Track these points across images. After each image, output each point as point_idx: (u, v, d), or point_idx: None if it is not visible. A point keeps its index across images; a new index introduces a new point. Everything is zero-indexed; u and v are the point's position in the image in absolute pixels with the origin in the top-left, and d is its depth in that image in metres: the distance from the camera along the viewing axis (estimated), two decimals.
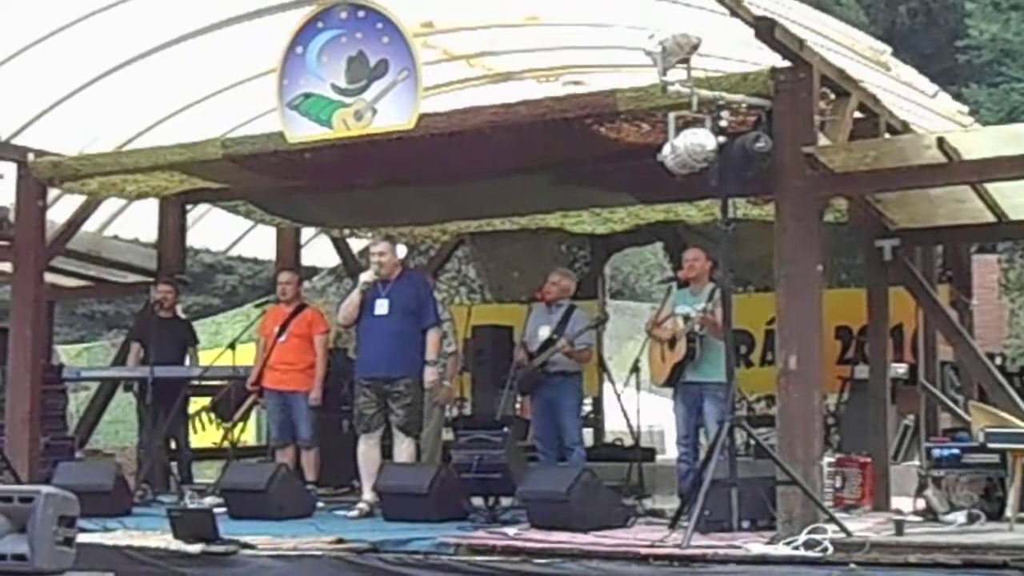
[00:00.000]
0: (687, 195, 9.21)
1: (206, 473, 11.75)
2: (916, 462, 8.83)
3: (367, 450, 8.84)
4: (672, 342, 8.61)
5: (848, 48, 7.83)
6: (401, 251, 11.41)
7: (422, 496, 8.20)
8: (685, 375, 8.58)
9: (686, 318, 8.56)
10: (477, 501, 8.46)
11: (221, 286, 25.62)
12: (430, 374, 8.80)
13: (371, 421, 8.77)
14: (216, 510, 8.08)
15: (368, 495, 8.75)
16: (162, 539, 7.66)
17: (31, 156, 9.75)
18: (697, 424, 8.66)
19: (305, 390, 9.65)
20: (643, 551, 6.70)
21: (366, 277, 8.95)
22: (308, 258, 13.33)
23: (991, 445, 7.49)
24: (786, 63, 7.28)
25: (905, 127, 8.44)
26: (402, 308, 8.77)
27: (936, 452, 7.87)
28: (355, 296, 8.94)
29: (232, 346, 10.12)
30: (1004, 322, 11.79)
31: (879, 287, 8.66)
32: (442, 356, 9.55)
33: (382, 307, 8.79)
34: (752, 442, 7.76)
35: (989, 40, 23.68)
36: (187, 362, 10.75)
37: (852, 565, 6.37)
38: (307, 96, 8.50)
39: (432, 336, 8.84)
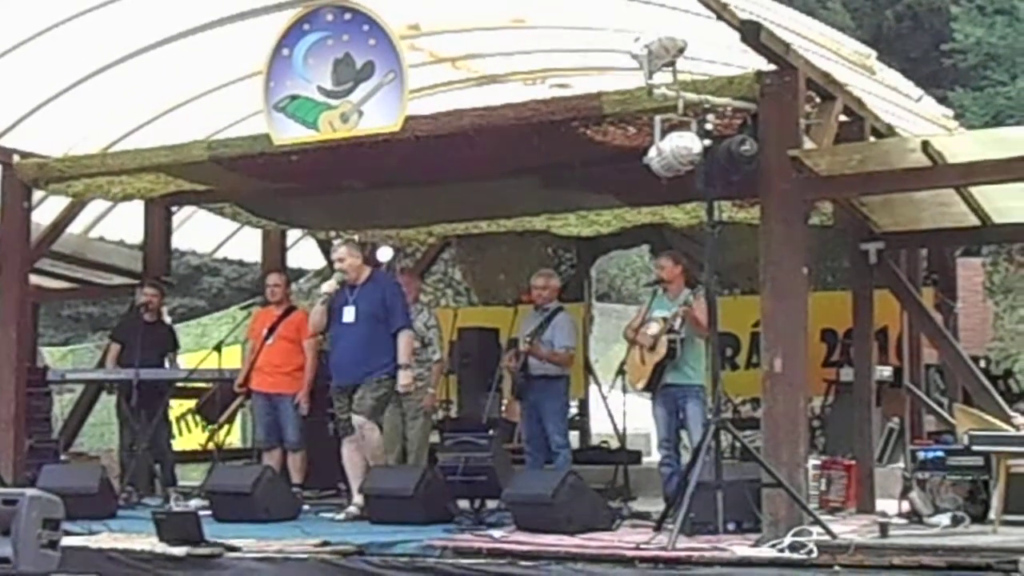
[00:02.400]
0: (673, 198, 9.22)
1: (192, 475, 11.73)
2: (901, 464, 8.87)
3: (351, 454, 8.80)
4: (653, 343, 8.59)
5: (833, 52, 7.85)
6: (387, 253, 11.41)
7: (408, 498, 8.20)
8: (665, 377, 8.57)
9: (665, 320, 8.56)
10: (463, 503, 8.46)
11: (207, 288, 25.54)
12: (404, 377, 8.64)
13: (348, 426, 8.75)
14: (201, 512, 8.06)
15: (358, 498, 8.72)
16: (147, 542, 7.64)
17: (16, 158, 9.73)
18: (678, 427, 8.66)
19: (292, 392, 9.64)
20: (628, 553, 6.71)
21: (326, 288, 8.85)
22: (294, 260, 13.32)
23: (975, 448, 7.53)
24: (772, 67, 7.29)
25: (890, 131, 8.47)
26: (368, 314, 8.65)
27: (921, 455, 7.91)
28: (319, 307, 8.87)
29: (218, 348, 10.12)
30: (988, 325, 11.83)
31: (864, 290, 8.68)
32: (428, 363, 9.52)
33: (349, 314, 8.69)
34: (737, 444, 7.78)
35: (974, 44, 23.74)
36: (166, 366, 10.71)
37: (837, 567, 6.39)
38: (293, 98, 8.49)
39: (403, 339, 8.68)
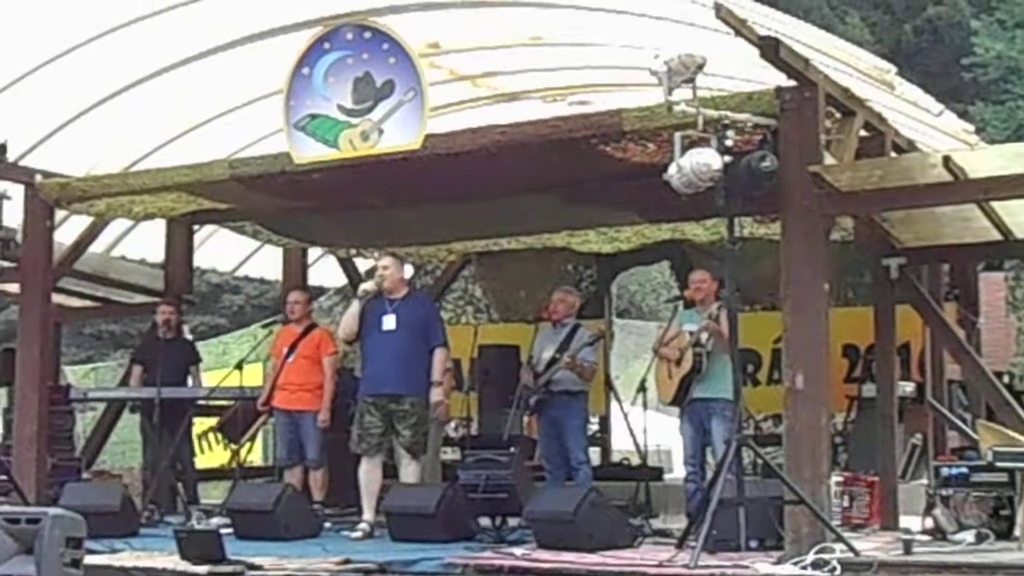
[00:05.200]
0: (693, 214, 9.22)
1: (213, 494, 11.74)
2: (924, 481, 8.81)
3: (369, 470, 8.82)
4: (679, 359, 8.60)
5: (853, 67, 7.84)
6: (408, 271, 11.44)
7: (429, 516, 8.20)
8: (692, 392, 8.57)
9: (691, 333, 8.57)
10: (484, 521, 8.45)
11: (228, 306, 25.63)
12: (436, 395, 8.77)
13: (377, 443, 8.75)
14: (223, 531, 8.06)
15: (369, 515, 8.74)
16: (169, 560, 7.65)
17: (39, 177, 9.76)
18: (704, 443, 8.64)
19: (313, 410, 9.66)
20: (651, 571, 6.69)
21: (366, 286, 8.99)
22: (315, 278, 13.34)
23: (999, 464, 7.49)
24: (791, 82, 7.29)
25: (911, 146, 8.45)
26: (409, 325, 8.76)
27: (944, 471, 7.87)
28: (355, 307, 8.94)
29: (239, 366, 10.13)
30: (1011, 340, 11.79)
31: (886, 305, 8.65)
32: None
33: (389, 322, 8.78)
34: (759, 461, 7.75)
35: (995, 58, 23.71)
36: (190, 382, 10.75)
37: None
38: (313, 117, 8.52)
39: (440, 355, 8.81)
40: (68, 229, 10.59)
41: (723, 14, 6.89)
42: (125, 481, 10.85)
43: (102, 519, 8.02)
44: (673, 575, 6.61)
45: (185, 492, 10.61)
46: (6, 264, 10.13)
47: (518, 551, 7.48)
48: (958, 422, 9.57)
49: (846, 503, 8.33)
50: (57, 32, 8.85)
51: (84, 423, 13.16)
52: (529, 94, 10.50)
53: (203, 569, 7.39)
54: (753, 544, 7.12)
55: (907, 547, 6.85)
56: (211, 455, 12.24)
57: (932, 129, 8.88)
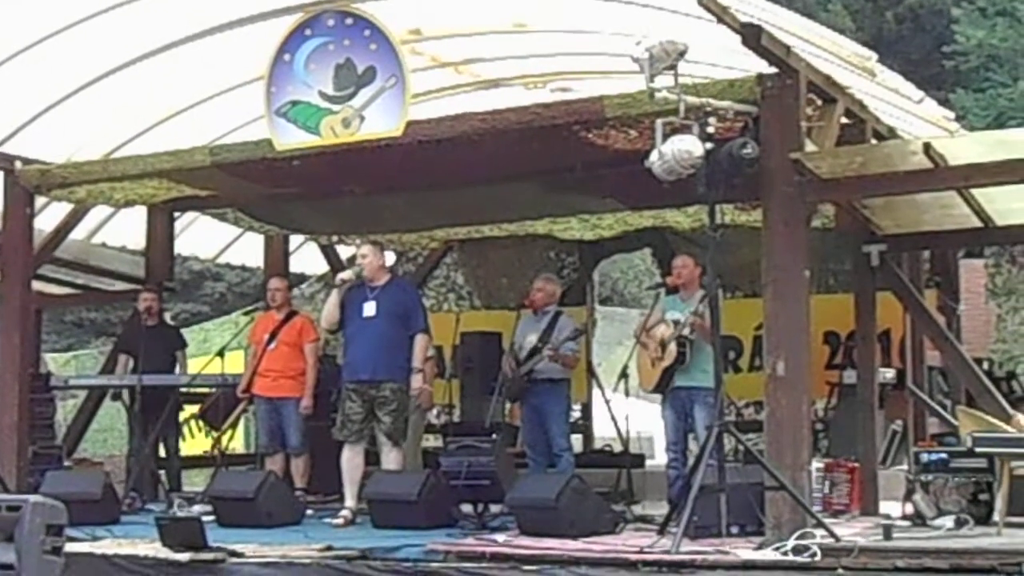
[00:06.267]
0: (675, 201, 9.23)
1: (195, 481, 11.73)
2: (904, 467, 8.85)
3: (352, 457, 8.83)
4: (662, 347, 8.62)
5: (834, 54, 7.85)
6: (390, 258, 11.44)
7: (411, 503, 8.21)
8: (674, 380, 8.58)
9: (676, 323, 8.58)
10: (466, 508, 8.46)
11: (209, 293, 25.56)
12: (416, 381, 8.80)
13: (358, 429, 8.75)
14: (205, 518, 8.06)
15: (350, 502, 8.75)
16: (150, 547, 7.64)
17: (18, 164, 9.73)
18: (686, 430, 8.66)
19: (295, 397, 9.65)
20: (632, 557, 6.71)
21: (343, 275, 9.01)
22: (296, 265, 13.33)
23: (979, 450, 7.52)
24: (773, 69, 7.29)
25: (891, 133, 8.47)
26: (389, 311, 8.77)
27: (924, 457, 7.91)
28: (334, 297, 8.97)
29: (221, 353, 10.12)
30: (991, 327, 11.82)
31: (866, 292, 8.68)
32: None
33: (370, 309, 8.79)
34: (741, 448, 7.77)
35: (976, 46, 23.77)
36: (177, 367, 10.72)
37: (840, 570, 6.38)
38: (295, 103, 8.50)
39: (420, 341, 8.83)
40: (48, 216, 10.56)
41: (705, 1, 6.89)
42: (106, 468, 10.82)
43: (83, 506, 8.01)
44: (654, 561, 6.62)
45: (169, 479, 10.60)
46: None
47: (500, 537, 7.49)
48: (938, 408, 9.61)
49: (827, 489, 8.36)
50: (36, 19, 8.80)
51: (65, 411, 13.13)
52: (511, 81, 10.50)
53: (184, 556, 7.38)
54: (734, 530, 7.15)
55: (887, 532, 6.88)
56: (193, 442, 12.22)
57: (913, 116, 8.90)
